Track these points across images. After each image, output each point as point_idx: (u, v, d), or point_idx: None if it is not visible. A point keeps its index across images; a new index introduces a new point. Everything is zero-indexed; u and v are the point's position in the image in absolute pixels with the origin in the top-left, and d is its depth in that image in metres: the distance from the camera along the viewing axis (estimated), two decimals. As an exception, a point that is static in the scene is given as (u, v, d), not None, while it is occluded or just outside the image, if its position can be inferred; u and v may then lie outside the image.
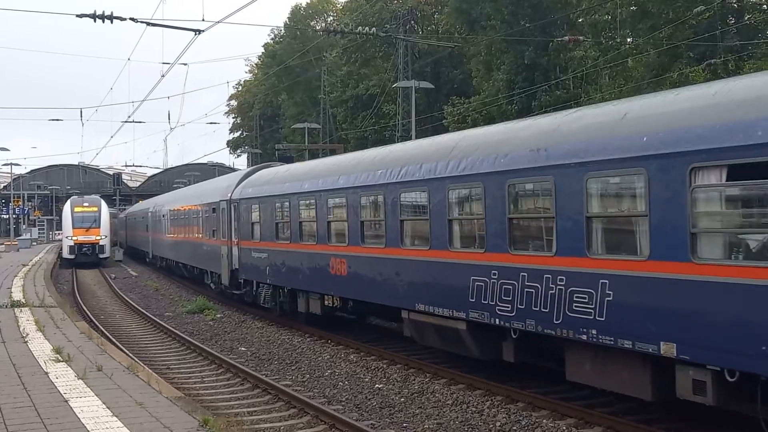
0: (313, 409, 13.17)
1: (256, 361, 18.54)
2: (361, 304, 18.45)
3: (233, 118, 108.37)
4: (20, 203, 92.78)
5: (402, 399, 14.15)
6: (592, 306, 10.92)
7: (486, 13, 46.31)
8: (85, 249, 54.98)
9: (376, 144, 38.86)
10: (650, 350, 10.13)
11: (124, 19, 22.63)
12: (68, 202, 59.95)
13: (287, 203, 21.61)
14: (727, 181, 9.31)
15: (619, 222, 11.11)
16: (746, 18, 36.42)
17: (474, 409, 13.12)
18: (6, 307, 23.24)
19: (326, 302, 19.78)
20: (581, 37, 39.20)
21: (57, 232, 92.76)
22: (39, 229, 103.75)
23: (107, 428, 9.52)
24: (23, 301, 24.79)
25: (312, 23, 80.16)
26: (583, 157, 11.19)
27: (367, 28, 35.32)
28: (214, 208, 29.23)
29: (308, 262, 20.13)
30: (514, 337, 12.87)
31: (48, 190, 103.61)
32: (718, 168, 9.32)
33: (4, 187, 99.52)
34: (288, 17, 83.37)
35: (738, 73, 29.41)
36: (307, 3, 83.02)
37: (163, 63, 75.41)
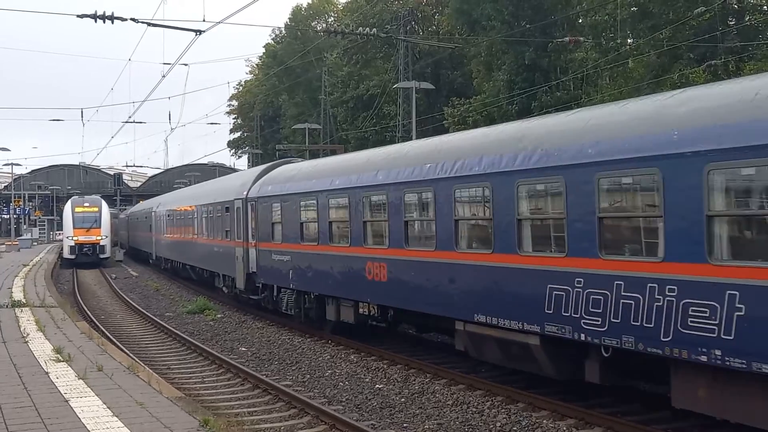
0: (313, 409, 13.18)
1: (257, 362, 18.55)
2: (403, 313, 16.91)
3: (234, 118, 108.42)
4: (21, 203, 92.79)
5: (402, 399, 14.16)
6: (716, 322, 9.29)
7: (486, 14, 46.32)
8: (85, 249, 55.03)
9: (377, 145, 38.85)
10: None
11: (125, 20, 22.63)
12: (69, 202, 59.99)
13: (314, 201, 19.86)
14: None
15: (750, 222, 9.42)
16: (747, 19, 36.40)
17: (474, 409, 13.13)
18: (6, 307, 23.25)
19: (361, 310, 18.11)
20: (581, 38, 39.19)
21: (58, 232, 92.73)
22: (40, 229, 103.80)
23: (108, 428, 9.53)
24: (24, 301, 24.80)
25: (313, 24, 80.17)
26: (704, 145, 9.48)
27: (367, 28, 35.31)
28: (227, 208, 27.65)
29: (340, 266, 18.49)
30: (606, 355, 11.10)
31: (49, 190, 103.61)
32: None
33: (5, 187, 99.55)
34: (289, 18, 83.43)
35: (739, 75, 29.43)
36: (308, 4, 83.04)
37: (164, 63, 75.51)
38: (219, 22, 23.71)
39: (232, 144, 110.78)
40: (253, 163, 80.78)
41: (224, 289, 29.18)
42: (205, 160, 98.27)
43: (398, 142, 38.56)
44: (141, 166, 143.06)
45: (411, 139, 36.66)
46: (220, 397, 14.72)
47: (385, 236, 16.47)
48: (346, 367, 17.20)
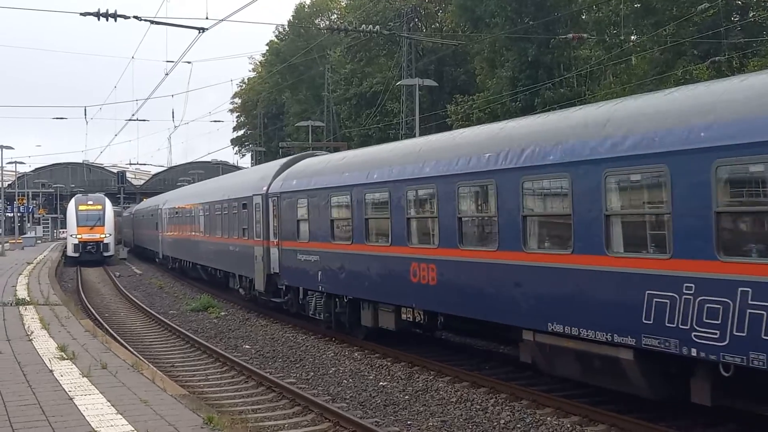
0: (317, 406, 13.18)
1: (261, 359, 18.56)
2: (455, 320, 15.30)
3: (237, 116, 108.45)
4: (25, 201, 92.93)
5: (406, 397, 14.16)
6: None
7: (490, 11, 46.27)
8: (89, 247, 55.12)
9: (380, 142, 38.88)
10: None
11: (128, 18, 22.64)
12: (73, 200, 60.10)
13: (347, 197, 18.24)
14: None
15: None
16: (751, 15, 36.33)
17: (478, 406, 13.13)
18: (11, 305, 23.31)
19: (403, 315, 16.55)
20: (585, 35, 39.13)
21: (61, 230, 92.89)
22: (43, 228, 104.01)
23: (112, 426, 9.54)
24: (28, 299, 24.85)
25: (316, 21, 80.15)
26: None
27: (370, 26, 35.27)
28: (244, 204, 26.06)
29: (378, 268, 16.91)
30: (726, 374, 9.49)
31: (52, 188, 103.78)
32: None
33: (9, 185, 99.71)
34: (292, 15, 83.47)
35: (743, 71, 29.36)
36: (311, 1, 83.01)
37: (167, 61, 75.32)
38: (222, 20, 23.70)
39: (235, 141, 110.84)
40: (256, 160, 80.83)
41: (240, 290, 27.69)
42: (208, 158, 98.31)
43: (401, 140, 38.44)
44: (144, 164, 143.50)
45: (414, 136, 36.64)
46: (224, 395, 14.72)
47: (434, 234, 14.92)
48: (350, 364, 17.20)
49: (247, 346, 20.44)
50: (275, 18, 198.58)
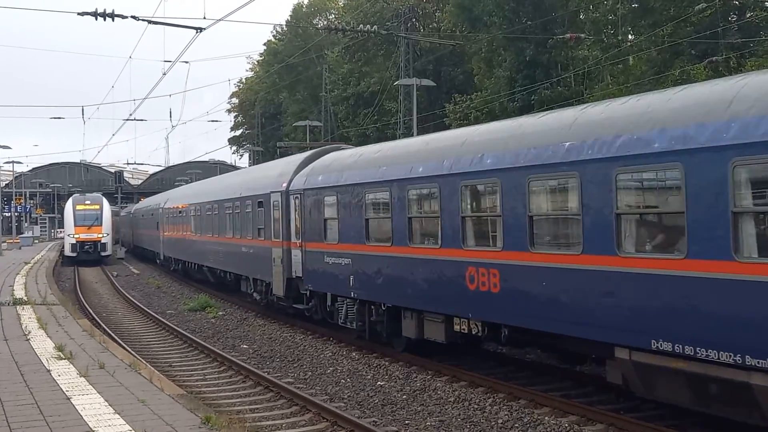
0: (315, 406, 13.18)
1: (258, 359, 18.55)
2: (525, 333, 13.29)
3: (235, 116, 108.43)
4: (22, 201, 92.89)
5: (404, 396, 14.16)
6: None
7: (488, 11, 46.31)
8: (87, 247, 55.10)
9: (378, 142, 39.03)
10: None
11: (126, 17, 22.62)
12: (70, 200, 60.07)
13: (386, 193, 16.44)
14: None
15: None
16: (748, 15, 36.37)
17: (476, 406, 13.13)
18: (8, 304, 23.29)
19: (456, 327, 14.66)
20: (582, 35, 39.16)
21: (59, 230, 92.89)
22: (41, 227, 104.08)
23: (109, 425, 9.54)
24: (25, 298, 24.83)
25: (314, 21, 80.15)
26: None
27: (368, 26, 35.27)
28: (260, 202, 24.29)
29: (425, 272, 15.11)
30: None
31: (50, 188, 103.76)
32: None
33: (6, 185, 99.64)
34: (290, 15, 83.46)
35: (740, 71, 29.40)
36: (309, 1, 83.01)
37: (165, 61, 75.48)
38: (220, 20, 23.71)
39: (232, 141, 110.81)
40: (254, 160, 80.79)
41: (255, 295, 25.65)
42: (206, 158, 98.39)
43: (399, 139, 38.34)
44: (142, 164, 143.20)
45: (412, 136, 36.58)
46: (222, 395, 14.72)
47: (497, 235, 13.16)
48: (348, 364, 17.20)
49: (244, 346, 20.44)
50: (273, 18, 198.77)
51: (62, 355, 14.38)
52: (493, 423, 12.18)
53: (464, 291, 13.89)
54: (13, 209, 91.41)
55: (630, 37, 41.11)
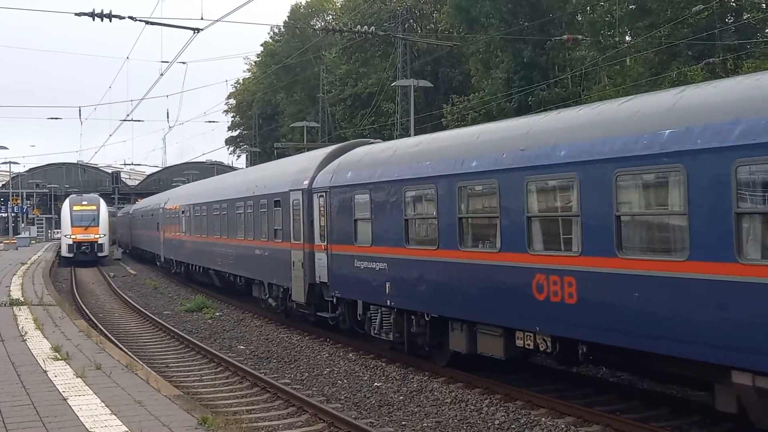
0: (311, 407, 13.17)
1: (255, 360, 18.54)
2: (609, 351, 11.56)
3: (232, 116, 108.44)
4: (19, 202, 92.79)
5: (401, 397, 14.15)
6: None
7: (485, 12, 46.36)
8: (83, 247, 55.04)
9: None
10: None
11: (123, 18, 22.62)
12: (67, 200, 59.99)
13: (432, 190, 14.78)
14: None
15: None
16: (745, 17, 36.42)
17: (473, 407, 13.13)
18: (5, 305, 23.25)
19: (518, 341, 12.98)
20: (579, 36, 39.22)
21: (56, 230, 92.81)
22: (38, 228, 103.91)
23: (106, 426, 9.53)
24: (22, 299, 24.79)
25: (311, 22, 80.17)
26: None
27: (366, 27, 35.27)
28: (276, 201, 22.67)
29: (480, 279, 13.50)
30: None
31: (47, 188, 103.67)
32: None
33: (3, 185, 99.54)
34: (287, 16, 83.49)
35: (737, 73, 29.45)
36: (307, 2, 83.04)
37: (162, 62, 75.49)
38: (217, 20, 23.68)
39: (229, 142, 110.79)
40: (251, 161, 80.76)
41: (270, 301, 23.93)
42: (203, 159, 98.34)
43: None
44: (139, 165, 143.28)
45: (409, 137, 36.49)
46: (219, 396, 14.71)
47: (574, 238, 11.53)
48: (345, 365, 17.19)
49: (241, 347, 20.42)
50: (270, 19, 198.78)
51: (59, 356, 14.36)
52: (490, 424, 12.18)
53: (530, 301, 12.23)
54: (9, 210, 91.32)
55: (627, 38, 41.17)
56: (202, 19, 42.92)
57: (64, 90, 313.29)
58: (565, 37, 38.04)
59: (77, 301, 30.85)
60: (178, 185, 65.91)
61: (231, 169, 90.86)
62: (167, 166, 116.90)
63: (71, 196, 63.21)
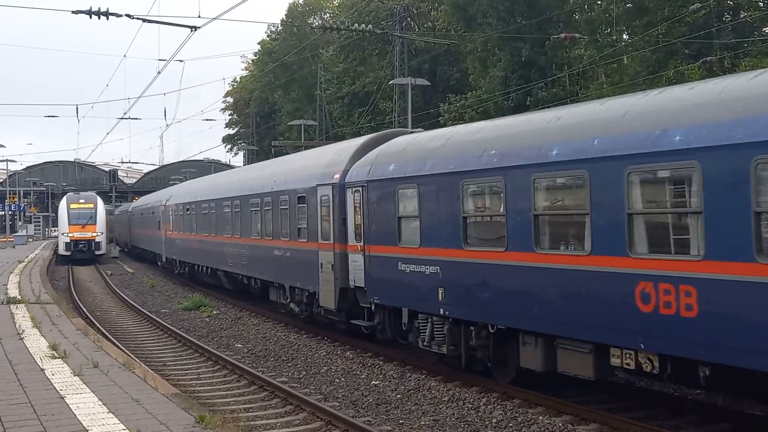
0: (309, 405, 13.18)
1: (253, 358, 18.54)
2: (735, 373, 9.73)
3: (229, 114, 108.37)
4: (16, 200, 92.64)
5: (398, 396, 14.16)
6: None
7: (482, 10, 46.36)
8: (81, 245, 55.02)
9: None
10: None
11: (120, 16, 22.59)
12: (64, 198, 59.97)
13: (498, 184, 12.99)
14: None
15: None
16: (742, 15, 36.46)
17: (470, 405, 13.14)
18: (2, 303, 23.25)
19: (614, 360, 11.14)
20: (577, 35, 39.23)
21: (53, 228, 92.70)
22: (35, 226, 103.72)
23: (103, 425, 9.53)
24: (19, 297, 24.79)
25: (309, 20, 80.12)
26: None
27: (363, 25, 35.25)
28: (301, 197, 20.83)
29: (563, 286, 11.69)
30: None
31: (44, 186, 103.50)
32: None
33: (0, 183, 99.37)
34: (285, 14, 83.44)
35: (734, 71, 29.46)
36: (304, 0, 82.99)
37: (159, 60, 75.47)
38: (214, 18, 23.62)
39: (227, 140, 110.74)
40: (249, 159, 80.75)
41: (292, 306, 21.88)
42: (200, 157, 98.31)
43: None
44: (136, 163, 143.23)
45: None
46: (216, 394, 14.72)
47: (694, 240, 9.84)
48: (342, 363, 17.20)
49: (239, 345, 20.42)
50: (268, 17, 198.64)
51: (56, 354, 14.36)
52: (487, 422, 12.19)
53: (632, 313, 10.45)
54: (6, 208, 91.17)
55: (624, 36, 41.20)
56: (199, 17, 42.86)
57: (61, 88, 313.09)
58: (563, 35, 38.04)
59: (74, 300, 30.83)
60: (176, 183, 65.61)
61: (228, 167, 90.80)
62: (164, 164, 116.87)
63: (68, 194, 63.15)
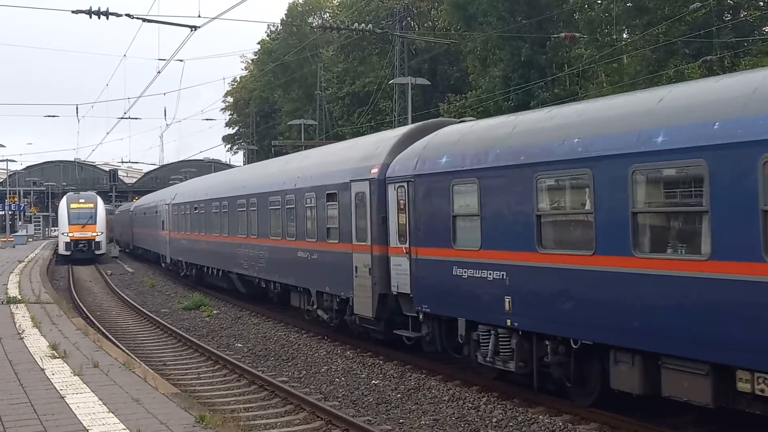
0: (309, 405, 13.18)
1: (253, 358, 18.54)
2: None
3: (229, 114, 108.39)
4: (16, 199, 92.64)
5: (398, 395, 14.16)
6: None
7: (483, 9, 46.37)
8: (81, 245, 55.04)
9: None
10: None
11: (120, 15, 22.59)
12: (64, 198, 59.99)
13: (584, 177, 11.30)
14: None
15: None
16: (742, 14, 36.46)
17: (470, 405, 13.14)
18: (2, 303, 23.24)
19: (742, 384, 9.42)
20: (577, 35, 39.23)
21: (53, 228, 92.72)
22: (35, 226, 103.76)
23: (103, 424, 9.52)
24: (19, 297, 24.78)
25: (308, 20, 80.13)
26: None
27: (363, 24, 35.24)
28: (330, 194, 19.20)
29: (673, 296, 10.00)
30: None
31: (44, 186, 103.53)
32: None
33: (0, 183, 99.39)
34: (285, 14, 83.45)
35: (734, 70, 29.46)
36: (304, 0, 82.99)
37: (159, 59, 75.50)
38: (214, 18, 23.60)
39: (227, 139, 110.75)
40: (249, 159, 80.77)
41: (320, 313, 19.99)
42: (200, 156, 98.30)
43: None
44: (136, 163, 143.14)
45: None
46: (216, 394, 14.72)
47: None
48: (342, 363, 17.19)
49: (239, 345, 20.42)
50: (268, 16, 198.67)
51: (56, 354, 14.35)
52: (488, 422, 12.19)
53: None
54: (6, 207, 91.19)
55: (624, 36, 41.21)
56: (199, 16, 42.89)
57: (61, 87, 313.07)
58: (563, 34, 38.04)
59: (74, 299, 30.83)
60: (176, 183, 65.45)
61: (228, 166, 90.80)
62: (165, 164, 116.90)
63: (68, 194, 63.17)
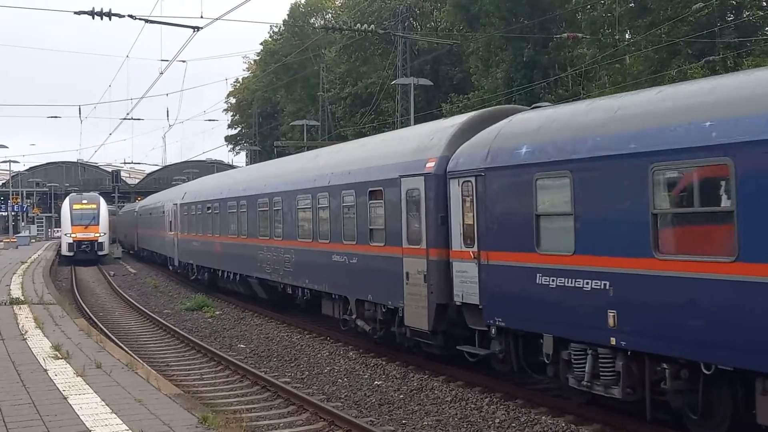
0: (312, 405, 13.18)
1: (255, 359, 18.55)
2: None
3: (232, 115, 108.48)
4: (19, 200, 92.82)
5: (401, 396, 14.16)
6: None
7: (485, 10, 46.38)
8: (84, 246, 55.11)
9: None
10: None
11: (123, 16, 22.64)
12: (67, 199, 60.04)
13: (719, 168, 9.44)
14: None
15: None
16: (745, 15, 36.41)
17: (473, 405, 13.14)
18: (5, 304, 23.25)
19: None
20: (580, 35, 39.22)
21: (56, 229, 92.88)
22: (38, 227, 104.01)
23: (106, 425, 9.53)
24: (22, 298, 24.79)
25: (311, 20, 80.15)
26: None
27: (365, 25, 35.25)
28: (373, 192, 17.28)
29: None
30: None
31: (47, 187, 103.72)
32: None
33: (3, 184, 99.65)
34: (287, 14, 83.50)
35: (737, 70, 29.44)
36: (306, 0, 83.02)
37: (162, 60, 75.53)
38: (217, 19, 23.66)
39: (229, 140, 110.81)
40: (252, 159, 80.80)
41: (361, 324, 17.96)
42: (203, 157, 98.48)
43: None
44: (139, 163, 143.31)
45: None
46: (219, 394, 14.72)
47: None
48: (345, 363, 17.19)
49: (241, 346, 20.42)
50: (270, 17, 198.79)
51: (59, 355, 14.36)
52: (490, 422, 12.19)
53: None
54: (9, 208, 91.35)
55: (627, 36, 41.18)
56: (201, 17, 42.92)
57: (64, 88, 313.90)
58: (566, 35, 38.03)
59: (77, 300, 30.86)
60: (178, 183, 65.30)
61: (231, 167, 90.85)
62: (167, 164, 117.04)
63: (71, 194, 63.25)
